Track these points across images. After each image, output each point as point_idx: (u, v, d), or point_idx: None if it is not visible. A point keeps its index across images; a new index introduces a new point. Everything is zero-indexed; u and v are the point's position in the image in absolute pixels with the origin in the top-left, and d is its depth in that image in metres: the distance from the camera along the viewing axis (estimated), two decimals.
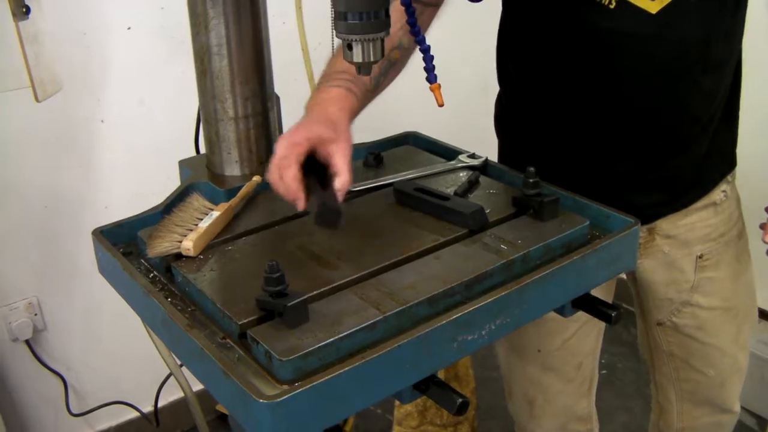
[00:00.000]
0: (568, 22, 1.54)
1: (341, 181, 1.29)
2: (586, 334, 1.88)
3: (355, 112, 1.47)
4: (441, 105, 1.43)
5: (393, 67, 1.58)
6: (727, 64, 1.62)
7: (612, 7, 1.48)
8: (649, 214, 1.72)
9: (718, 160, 1.75)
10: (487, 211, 1.38)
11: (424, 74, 1.43)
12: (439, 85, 1.43)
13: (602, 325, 1.91)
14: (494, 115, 1.88)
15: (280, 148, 1.30)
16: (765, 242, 1.60)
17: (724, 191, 1.77)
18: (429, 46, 1.43)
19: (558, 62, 1.61)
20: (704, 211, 1.75)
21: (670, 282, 1.82)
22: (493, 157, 1.69)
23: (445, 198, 1.39)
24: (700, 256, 1.78)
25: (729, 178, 1.78)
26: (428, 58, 1.43)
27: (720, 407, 1.99)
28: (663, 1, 1.46)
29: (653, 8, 1.47)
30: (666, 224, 1.75)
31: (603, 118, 1.60)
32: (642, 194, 1.69)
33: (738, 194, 1.83)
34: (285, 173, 1.28)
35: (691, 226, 1.75)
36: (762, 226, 1.62)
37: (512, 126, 1.79)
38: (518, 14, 1.66)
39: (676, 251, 1.78)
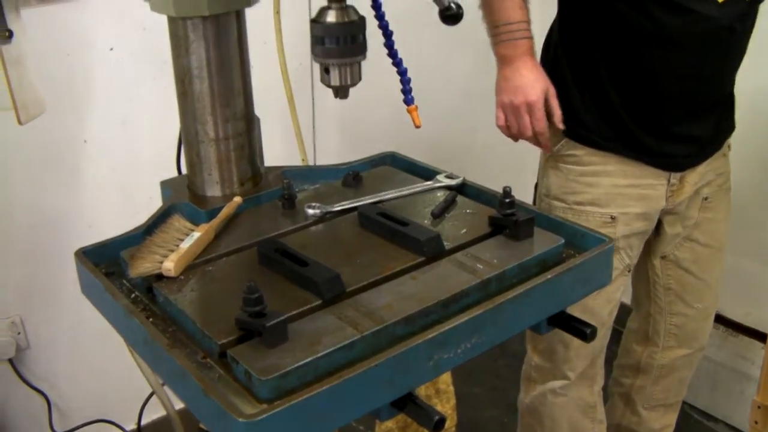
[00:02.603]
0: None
1: (558, 117, 1.84)
2: (619, 284, 2.10)
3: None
4: (418, 126, 1.45)
5: None
6: (749, 38, 1.91)
7: None
8: (683, 164, 1.99)
9: (731, 117, 2.06)
10: (463, 230, 1.40)
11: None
12: (416, 107, 1.46)
13: (627, 279, 2.17)
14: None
15: (535, 95, 1.80)
16: None
17: (729, 144, 2.10)
18: (406, 69, 1.45)
19: (630, 34, 1.82)
20: (717, 161, 2.06)
21: (681, 219, 2.10)
22: (475, 173, 1.71)
23: (404, 224, 1.40)
24: (705, 198, 2.09)
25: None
26: (405, 81, 1.46)
27: (698, 343, 2.31)
28: None
29: None
30: (692, 172, 2.01)
31: (657, 87, 1.86)
32: (684, 146, 1.96)
33: None
34: (541, 116, 1.81)
35: (706, 171, 2.04)
36: None
37: (574, 84, 1.96)
38: None
39: (692, 194, 2.05)
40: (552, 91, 1.83)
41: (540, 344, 2.20)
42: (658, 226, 2.12)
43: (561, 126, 1.84)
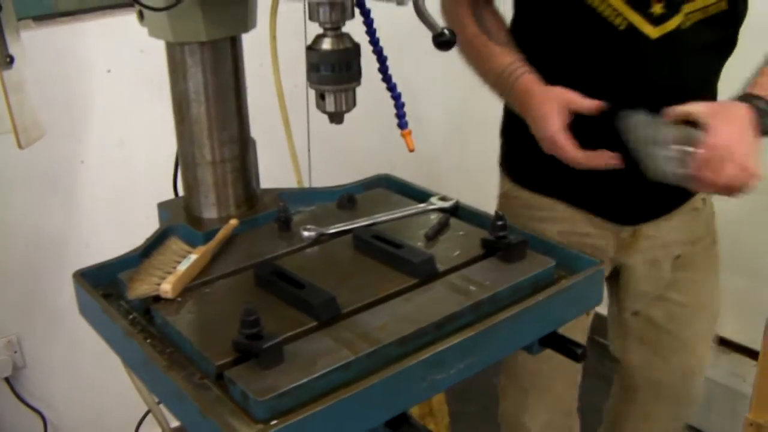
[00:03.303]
0: (580, 37, 1.69)
1: (588, 106, 1.59)
2: (578, 327, 1.96)
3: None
4: (411, 150, 1.47)
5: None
6: (712, 83, 1.79)
7: (621, 29, 1.62)
8: (635, 219, 1.86)
9: None
10: (456, 253, 1.42)
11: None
12: (410, 131, 1.48)
13: (589, 321, 2.03)
14: (502, 119, 1.97)
15: (546, 129, 1.60)
16: None
17: (703, 198, 1.93)
18: (400, 93, 1.48)
19: (566, 70, 1.71)
20: (685, 216, 1.90)
21: (649, 277, 1.95)
22: (468, 195, 1.73)
23: (399, 246, 1.41)
24: (677, 257, 1.93)
25: None
26: (399, 105, 1.48)
27: (681, 401, 2.15)
28: (664, 28, 1.61)
29: (654, 34, 1.62)
30: (649, 227, 1.87)
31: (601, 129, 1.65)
32: (631, 199, 1.82)
33: (713, 204, 1.99)
34: (561, 145, 1.58)
35: (672, 228, 1.89)
36: None
37: (518, 130, 1.80)
38: (533, 20, 1.78)
39: (656, 251, 1.91)
40: (570, 98, 1.61)
41: (506, 389, 2.15)
42: (626, 284, 2.00)
43: (596, 106, 1.59)
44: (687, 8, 1.64)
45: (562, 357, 1.94)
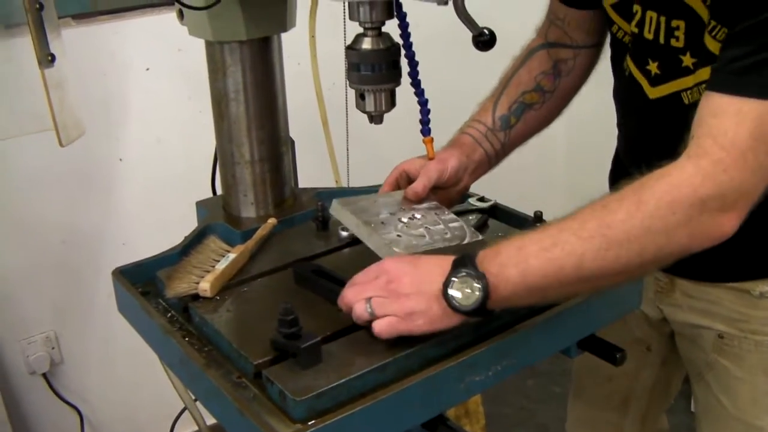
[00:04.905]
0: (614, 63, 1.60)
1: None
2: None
3: (477, 158, 1.59)
4: (432, 158, 1.47)
5: (529, 109, 1.64)
6: None
7: (626, 74, 1.51)
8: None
9: (761, 253, 1.52)
10: None
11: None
12: (432, 139, 1.48)
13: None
14: None
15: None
16: None
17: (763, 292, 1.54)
18: (427, 100, 1.47)
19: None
20: (732, 293, 1.56)
21: (690, 344, 1.69)
22: (506, 196, 1.72)
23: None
24: (720, 336, 1.60)
25: None
26: (425, 111, 1.48)
27: None
28: (662, 91, 1.44)
29: (652, 94, 1.46)
30: (689, 285, 1.62)
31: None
32: None
33: None
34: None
35: (716, 298, 1.59)
36: None
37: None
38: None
39: (696, 316, 1.63)
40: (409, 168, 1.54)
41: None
42: (675, 337, 1.75)
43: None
44: (689, 80, 1.39)
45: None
